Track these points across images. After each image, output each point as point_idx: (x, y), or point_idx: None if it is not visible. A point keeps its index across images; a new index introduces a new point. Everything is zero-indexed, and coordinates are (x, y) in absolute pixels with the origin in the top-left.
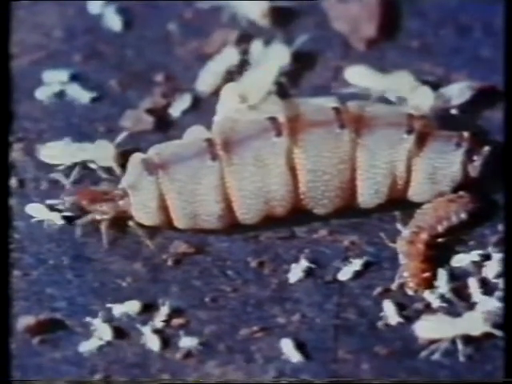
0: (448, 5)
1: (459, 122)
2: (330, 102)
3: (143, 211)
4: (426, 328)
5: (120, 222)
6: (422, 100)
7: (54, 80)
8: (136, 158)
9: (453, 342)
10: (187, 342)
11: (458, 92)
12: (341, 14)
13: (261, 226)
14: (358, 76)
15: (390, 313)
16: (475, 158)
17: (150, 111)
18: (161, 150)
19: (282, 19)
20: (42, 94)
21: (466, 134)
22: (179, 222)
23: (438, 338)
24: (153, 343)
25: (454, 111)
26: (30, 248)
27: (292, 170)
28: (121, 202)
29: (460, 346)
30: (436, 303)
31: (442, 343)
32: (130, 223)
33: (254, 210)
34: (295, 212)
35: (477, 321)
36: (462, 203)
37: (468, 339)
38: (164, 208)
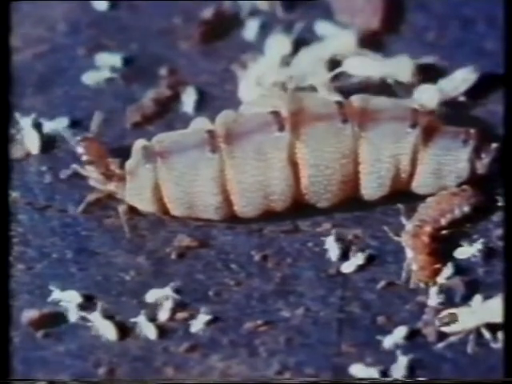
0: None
1: (465, 115)
2: (333, 96)
3: (138, 197)
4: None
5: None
6: (428, 97)
7: (106, 64)
8: (138, 145)
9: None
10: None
11: (461, 79)
12: (345, 6)
13: (264, 220)
14: (358, 66)
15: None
16: (483, 155)
17: (155, 101)
18: (163, 138)
19: (286, 9)
20: (90, 78)
21: (472, 130)
22: (176, 211)
23: (460, 330)
24: (151, 334)
25: (461, 98)
26: (33, 241)
27: (293, 164)
28: (114, 184)
29: (487, 334)
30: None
31: (456, 336)
32: (120, 208)
33: (254, 203)
34: (297, 206)
35: (497, 308)
36: (465, 197)
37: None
38: (159, 197)
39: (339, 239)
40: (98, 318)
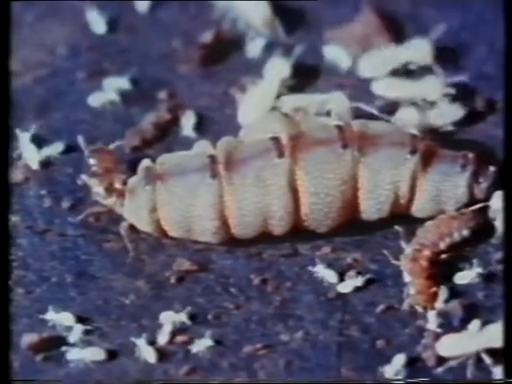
0: (451, 22)
1: (464, 139)
2: (333, 120)
3: (135, 217)
4: (448, 346)
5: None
6: (408, 120)
7: (113, 87)
8: (143, 164)
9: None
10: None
11: (447, 112)
12: (346, 36)
13: (264, 244)
14: (386, 88)
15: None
16: (481, 180)
17: (154, 125)
18: (165, 160)
19: (285, 30)
20: (95, 100)
21: (470, 155)
22: (173, 234)
23: (460, 354)
24: (150, 357)
25: (449, 128)
26: (33, 265)
27: (293, 191)
28: (113, 199)
29: (487, 359)
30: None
31: (456, 360)
32: (123, 225)
33: (252, 228)
34: (297, 231)
35: (497, 333)
36: (464, 220)
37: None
38: (156, 219)
39: (335, 264)
40: (76, 352)
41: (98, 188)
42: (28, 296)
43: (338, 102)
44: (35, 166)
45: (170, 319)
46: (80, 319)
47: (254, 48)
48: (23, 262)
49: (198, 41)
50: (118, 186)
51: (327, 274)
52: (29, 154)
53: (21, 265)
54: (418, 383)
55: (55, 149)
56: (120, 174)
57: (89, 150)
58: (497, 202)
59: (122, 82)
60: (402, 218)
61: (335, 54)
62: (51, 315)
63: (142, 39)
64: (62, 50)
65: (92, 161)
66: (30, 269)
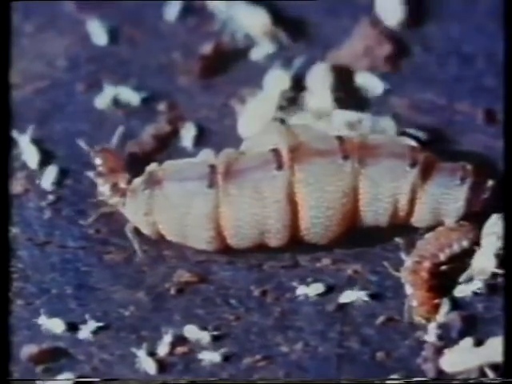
0: (451, 34)
1: (464, 151)
2: (333, 130)
3: (134, 218)
4: (452, 362)
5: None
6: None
7: (122, 95)
8: (148, 168)
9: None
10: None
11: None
12: (349, 54)
13: (264, 255)
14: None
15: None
16: (480, 192)
17: (154, 137)
18: (168, 166)
19: (285, 41)
20: (100, 101)
21: (469, 167)
22: (170, 238)
23: (464, 369)
24: (150, 368)
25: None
26: (33, 277)
27: (291, 204)
28: (117, 198)
29: (489, 373)
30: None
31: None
32: (129, 226)
33: (248, 239)
34: (296, 243)
35: (499, 348)
36: (463, 231)
37: None
38: (153, 222)
39: (336, 275)
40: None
41: (103, 187)
42: (28, 307)
43: (387, 126)
44: (34, 165)
45: (194, 334)
46: (76, 327)
47: (253, 59)
48: (23, 274)
49: (197, 52)
50: (122, 185)
51: (310, 290)
52: (30, 161)
53: (21, 276)
54: (417, 383)
55: (49, 172)
56: (125, 173)
57: (94, 150)
58: (478, 261)
59: (134, 98)
60: (401, 230)
61: (368, 81)
62: (43, 320)
63: (142, 51)
64: (62, 62)
65: (97, 161)
66: (30, 280)
